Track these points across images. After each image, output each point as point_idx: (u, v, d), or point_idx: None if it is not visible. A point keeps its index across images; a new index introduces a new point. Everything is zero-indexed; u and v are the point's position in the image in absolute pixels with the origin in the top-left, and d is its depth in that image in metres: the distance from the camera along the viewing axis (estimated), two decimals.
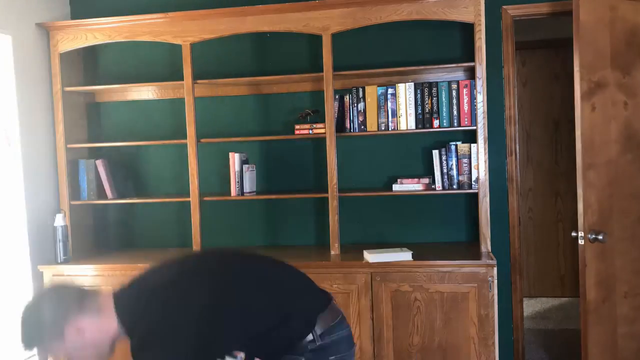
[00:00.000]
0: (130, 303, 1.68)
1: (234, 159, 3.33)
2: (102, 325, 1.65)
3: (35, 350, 1.64)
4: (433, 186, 3.22)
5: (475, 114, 3.10)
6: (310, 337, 1.78)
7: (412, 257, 2.93)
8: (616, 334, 2.70)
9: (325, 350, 1.79)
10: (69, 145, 3.45)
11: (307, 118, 3.35)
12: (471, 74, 3.23)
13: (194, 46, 3.29)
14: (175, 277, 1.72)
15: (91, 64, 3.69)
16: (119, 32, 3.34)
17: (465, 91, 3.15)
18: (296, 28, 3.18)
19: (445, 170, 3.19)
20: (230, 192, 3.35)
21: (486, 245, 3.08)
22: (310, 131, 3.25)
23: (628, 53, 2.68)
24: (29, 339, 1.61)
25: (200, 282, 1.70)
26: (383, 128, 3.22)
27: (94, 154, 3.63)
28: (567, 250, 5.21)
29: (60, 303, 1.61)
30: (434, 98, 3.18)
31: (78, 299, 1.64)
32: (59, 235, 3.26)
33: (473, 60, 3.07)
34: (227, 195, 3.37)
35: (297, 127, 3.28)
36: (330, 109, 3.16)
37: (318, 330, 1.79)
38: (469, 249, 3.19)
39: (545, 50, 5.15)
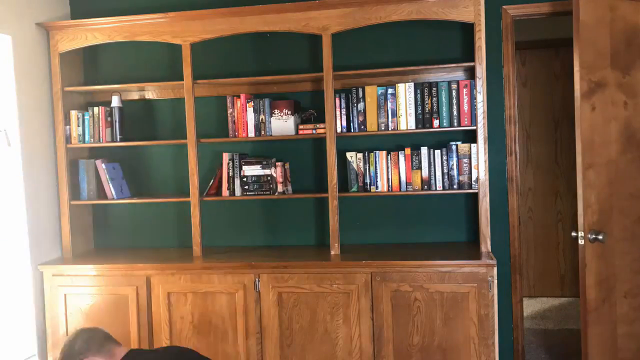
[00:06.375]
0: None
1: (226, 158, 3.35)
2: None
3: None
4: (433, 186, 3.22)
5: (475, 114, 3.10)
6: None
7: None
8: (616, 334, 2.70)
9: None
10: (69, 145, 3.45)
11: (310, 118, 3.35)
12: (471, 74, 3.23)
13: (194, 46, 3.29)
14: None
15: (91, 64, 3.69)
16: (119, 32, 3.34)
17: (465, 91, 3.14)
18: (296, 28, 3.18)
19: (445, 170, 3.19)
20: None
21: (486, 245, 3.08)
22: (314, 131, 3.25)
23: (628, 53, 2.68)
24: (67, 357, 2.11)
25: None
26: (383, 128, 3.22)
27: (94, 154, 3.63)
28: (567, 250, 5.21)
29: (85, 340, 2.11)
30: (434, 98, 3.18)
31: (100, 341, 2.12)
32: (116, 117, 3.45)
33: (473, 60, 3.07)
34: (226, 195, 3.37)
35: (300, 127, 3.28)
36: (330, 109, 3.16)
37: None
38: (469, 249, 3.19)
39: (545, 50, 5.15)
